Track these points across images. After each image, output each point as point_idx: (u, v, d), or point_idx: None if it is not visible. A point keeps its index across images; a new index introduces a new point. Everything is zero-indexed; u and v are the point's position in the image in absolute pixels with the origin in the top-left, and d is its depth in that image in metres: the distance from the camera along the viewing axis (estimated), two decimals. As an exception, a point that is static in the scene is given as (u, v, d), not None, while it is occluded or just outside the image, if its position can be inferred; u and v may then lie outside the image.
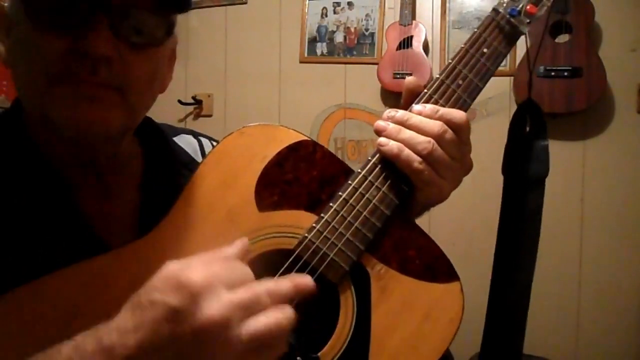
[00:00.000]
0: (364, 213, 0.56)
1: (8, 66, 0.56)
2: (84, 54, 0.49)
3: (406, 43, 2.11)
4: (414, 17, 2.15)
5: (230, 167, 0.56)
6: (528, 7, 0.63)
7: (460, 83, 0.61)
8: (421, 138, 0.57)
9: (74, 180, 0.60)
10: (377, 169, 0.58)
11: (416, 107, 0.59)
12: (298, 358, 0.53)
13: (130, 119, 0.58)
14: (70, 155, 0.59)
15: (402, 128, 0.58)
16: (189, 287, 0.40)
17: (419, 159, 0.56)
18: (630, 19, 1.98)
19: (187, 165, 0.70)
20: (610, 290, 1.97)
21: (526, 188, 0.70)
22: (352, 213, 0.56)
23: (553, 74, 1.91)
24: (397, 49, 2.12)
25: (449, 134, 0.57)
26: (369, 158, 0.59)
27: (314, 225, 0.56)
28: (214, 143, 0.77)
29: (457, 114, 0.59)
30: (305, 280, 0.47)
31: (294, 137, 0.59)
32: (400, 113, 0.59)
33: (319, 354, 0.54)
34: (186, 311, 0.39)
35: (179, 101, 2.34)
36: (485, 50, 0.62)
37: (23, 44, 0.52)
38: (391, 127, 0.58)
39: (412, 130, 0.57)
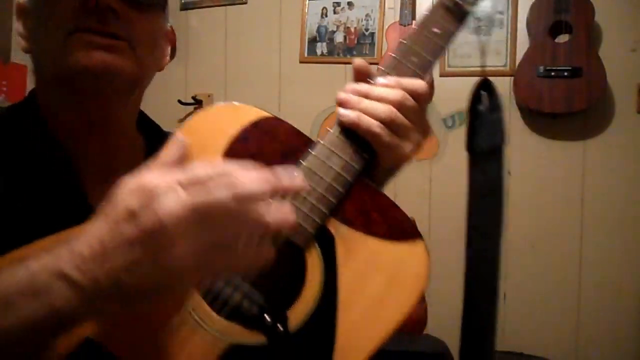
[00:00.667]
0: (327, 179, 0.58)
1: (27, 50, 0.65)
2: (95, 6, 0.58)
3: (406, 43, 2.11)
4: (414, 17, 2.15)
5: (197, 142, 0.57)
6: None
7: (414, 60, 0.64)
8: (382, 106, 0.59)
9: (81, 164, 0.65)
10: (338, 138, 0.61)
11: (379, 79, 0.62)
12: (266, 316, 0.53)
13: (138, 72, 0.63)
14: (80, 124, 0.64)
15: (363, 98, 0.60)
16: (145, 187, 0.41)
17: (377, 123, 0.58)
18: (630, 19, 1.98)
19: None
20: (610, 290, 1.97)
21: (484, 159, 0.71)
22: (315, 180, 0.58)
23: (553, 74, 1.92)
24: (397, 49, 2.12)
25: (410, 101, 0.60)
26: (329, 129, 0.62)
27: None
28: None
29: (418, 83, 0.61)
30: (288, 183, 0.44)
31: (257, 114, 0.62)
32: (362, 85, 0.62)
33: (287, 312, 0.54)
34: (143, 210, 0.40)
35: (179, 101, 2.34)
36: (435, 30, 0.64)
37: (39, 11, 0.62)
38: (352, 97, 0.61)
39: (374, 99, 0.60)
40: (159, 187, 0.40)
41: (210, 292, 0.54)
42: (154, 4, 0.65)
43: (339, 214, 0.58)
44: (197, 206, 0.39)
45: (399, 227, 0.59)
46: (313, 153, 0.59)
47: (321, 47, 2.31)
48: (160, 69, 0.71)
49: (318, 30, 2.31)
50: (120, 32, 0.60)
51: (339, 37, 2.29)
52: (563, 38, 1.94)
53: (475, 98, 0.77)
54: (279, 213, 0.43)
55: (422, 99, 0.62)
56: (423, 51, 0.64)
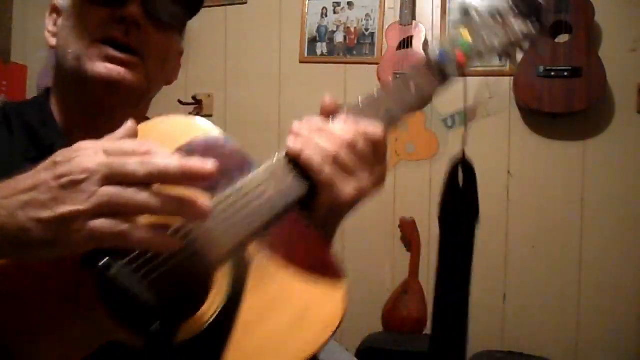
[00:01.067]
0: (256, 202, 0.57)
1: (54, 46, 0.74)
2: (121, 19, 0.67)
3: (406, 43, 2.11)
4: (414, 17, 2.15)
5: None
6: (458, 54, 0.65)
7: (382, 110, 0.62)
8: (329, 142, 0.58)
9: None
10: (280, 166, 0.59)
11: (339, 118, 0.62)
12: (157, 322, 0.51)
13: (146, 86, 0.72)
14: (83, 125, 0.72)
15: (315, 132, 0.60)
16: (77, 147, 0.47)
17: (320, 159, 0.57)
18: (630, 19, 1.98)
19: None
20: (610, 290, 1.97)
21: (459, 231, 0.70)
22: (244, 201, 0.56)
23: (553, 74, 1.91)
24: (397, 49, 2.12)
25: (361, 144, 0.59)
26: (275, 156, 0.60)
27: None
28: None
29: (374, 129, 0.60)
30: (198, 166, 0.46)
31: (209, 131, 0.61)
32: (318, 120, 0.62)
33: (180, 325, 0.52)
34: (63, 162, 0.46)
35: (179, 101, 2.34)
36: (412, 86, 0.63)
37: (72, 17, 0.70)
38: (304, 129, 0.60)
39: (325, 135, 0.59)
40: (87, 148, 0.46)
41: (109, 283, 0.52)
42: (174, 24, 0.75)
43: (263, 241, 0.56)
44: (110, 169, 0.44)
45: (321, 269, 0.57)
46: (250, 175, 0.58)
47: (321, 47, 2.31)
48: (168, 83, 0.79)
49: (318, 30, 2.31)
50: (138, 46, 0.69)
51: (339, 37, 2.29)
52: (563, 38, 1.94)
53: (453, 173, 0.78)
54: (192, 204, 0.46)
55: (377, 145, 0.60)
56: (394, 105, 0.63)
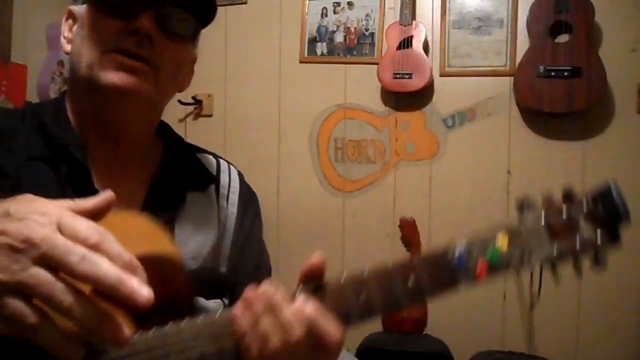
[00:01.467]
0: (174, 359, 0.54)
1: (69, 52, 0.75)
2: (134, 31, 0.67)
3: (406, 43, 2.11)
4: (414, 17, 2.15)
5: (112, 229, 0.53)
6: (480, 265, 0.53)
7: (361, 297, 0.54)
8: (275, 333, 0.53)
9: (94, 158, 0.72)
10: (219, 327, 0.55)
11: (299, 298, 0.54)
12: None
13: (156, 96, 0.72)
14: (96, 131, 0.73)
15: (266, 311, 0.54)
16: (32, 207, 0.44)
17: (257, 348, 0.53)
18: (630, 19, 1.98)
19: (197, 169, 0.83)
20: (610, 290, 1.97)
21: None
22: (162, 352, 0.53)
23: (553, 74, 1.91)
24: (397, 49, 2.12)
25: (310, 341, 0.53)
26: (218, 313, 0.57)
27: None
28: (231, 166, 0.89)
29: (331, 331, 0.53)
30: (135, 290, 0.43)
31: (169, 251, 0.58)
32: (278, 297, 0.54)
33: None
34: (13, 216, 0.43)
35: (179, 101, 2.34)
36: (412, 277, 0.53)
37: (86, 27, 0.70)
38: (257, 301, 0.55)
39: (275, 321, 0.53)
40: (43, 214, 0.44)
41: None
42: (188, 35, 0.75)
43: None
44: (51, 251, 0.41)
45: None
46: (185, 323, 0.55)
47: (321, 47, 2.31)
48: (180, 90, 0.80)
49: (318, 30, 2.31)
50: (151, 57, 0.69)
51: (339, 37, 2.29)
52: (563, 38, 1.94)
53: None
54: (114, 328, 0.43)
55: (329, 347, 0.53)
56: (377, 296, 0.53)
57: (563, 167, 2.03)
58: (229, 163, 0.89)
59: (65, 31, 0.76)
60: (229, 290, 0.79)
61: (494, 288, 2.07)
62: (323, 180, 2.30)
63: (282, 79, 2.35)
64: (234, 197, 0.84)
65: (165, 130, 0.83)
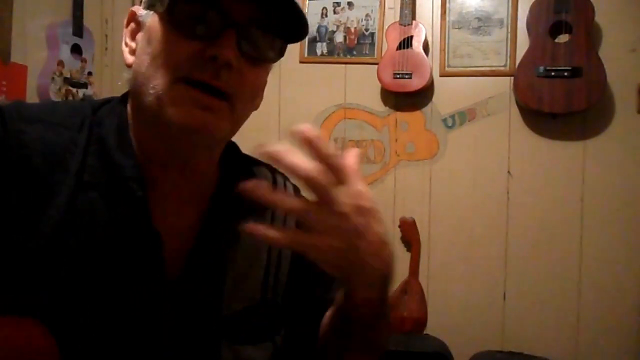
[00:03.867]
0: None
1: (130, 65, 0.64)
2: (212, 58, 0.57)
3: (406, 43, 2.11)
4: (414, 17, 2.15)
5: None
6: None
7: None
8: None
9: (154, 191, 0.63)
10: None
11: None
12: None
13: (233, 129, 0.64)
14: (162, 159, 0.64)
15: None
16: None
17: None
18: (630, 19, 1.98)
19: (254, 200, 0.71)
20: (610, 290, 1.97)
21: None
22: None
23: (553, 74, 1.91)
24: (397, 49, 2.12)
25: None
26: None
27: None
28: (288, 182, 0.80)
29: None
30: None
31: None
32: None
33: None
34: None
35: (179, 101, 2.34)
36: None
37: (155, 44, 0.59)
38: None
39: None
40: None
41: None
42: (270, 57, 0.65)
43: None
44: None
45: None
46: None
47: (321, 47, 2.31)
48: (255, 109, 0.69)
49: (318, 30, 2.31)
50: (227, 88, 0.59)
51: (339, 37, 2.29)
52: (563, 38, 1.94)
53: None
54: None
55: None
56: None
57: (563, 167, 2.03)
58: (285, 178, 0.80)
59: (127, 37, 0.65)
60: (285, 321, 0.73)
61: (494, 288, 2.08)
62: (323, 180, 2.29)
63: (282, 79, 2.35)
64: (292, 218, 0.75)
65: (226, 154, 0.72)
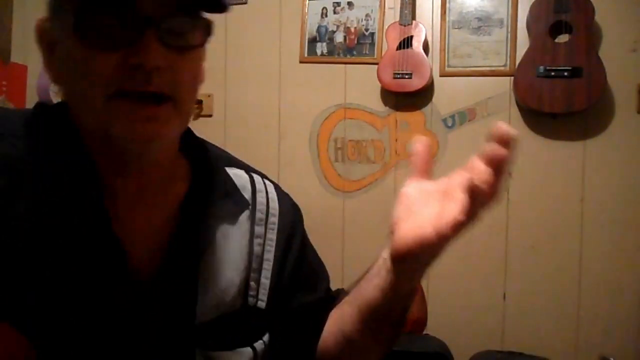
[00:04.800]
0: None
1: (57, 84, 0.60)
2: (137, 66, 0.53)
3: (406, 43, 2.11)
4: (414, 17, 2.15)
5: None
6: None
7: None
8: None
9: (113, 187, 0.61)
10: None
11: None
12: None
13: (183, 124, 0.62)
14: (116, 167, 0.60)
15: None
16: None
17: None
18: (630, 19, 1.98)
19: (229, 195, 0.70)
20: (610, 290, 1.97)
21: None
22: None
23: (553, 74, 1.92)
24: (397, 49, 2.12)
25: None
26: None
27: None
28: (267, 181, 0.78)
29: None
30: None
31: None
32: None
33: None
34: None
35: (179, 101, 2.34)
36: None
37: (74, 62, 0.55)
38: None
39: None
40: None
41: None
42: (199, 40, 0.62)
43: None
44: None
45: None
46: None
47: (321, 47, 2.31)
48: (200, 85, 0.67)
49: (318, 30, 2.31)
50: (164, 89, 0.55)
51: (339, 37, 2.29)
52: (563, 38, 1.94)
53: None
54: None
55: None
56: None
57: (563, 167, 2.03)
58: (262, 177, 0.78)
59: (44, 56, 0.60)
60: (272, 325, 0.71)
61: (494, 288, 2.08)
62: (323, 180, 2.30)
63: (282, 79, 2.35)
64: (274, 219, 0.73)
65: (188, 142, 0.69)
